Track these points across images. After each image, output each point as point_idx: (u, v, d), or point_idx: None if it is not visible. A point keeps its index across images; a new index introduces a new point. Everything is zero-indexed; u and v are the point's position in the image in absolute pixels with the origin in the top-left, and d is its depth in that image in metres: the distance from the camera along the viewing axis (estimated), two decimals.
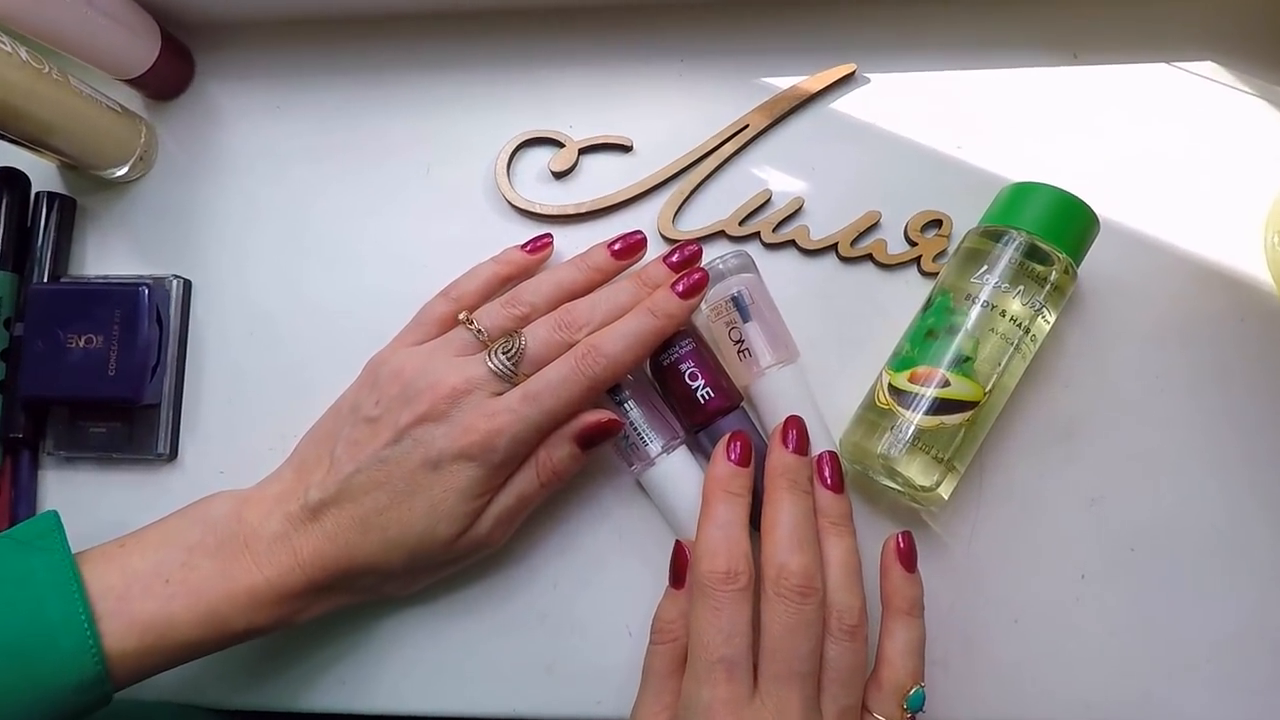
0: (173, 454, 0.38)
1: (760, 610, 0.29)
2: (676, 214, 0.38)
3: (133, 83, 0.39)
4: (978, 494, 0.36)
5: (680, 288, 0.33)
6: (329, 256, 0.39)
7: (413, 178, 0.39)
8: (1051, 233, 0.32)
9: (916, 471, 0.31)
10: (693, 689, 0.28)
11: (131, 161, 0.39)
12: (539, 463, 0.33)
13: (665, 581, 0.33)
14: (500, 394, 0.32)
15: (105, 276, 0.38)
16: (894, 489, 0.34)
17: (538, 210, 0.38)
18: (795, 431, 0.32)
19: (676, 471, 0.34)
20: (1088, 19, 0.38)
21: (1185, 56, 0.38)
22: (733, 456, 0.32)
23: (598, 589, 0.36)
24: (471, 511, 0.32)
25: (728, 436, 0.32)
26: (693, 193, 0.38)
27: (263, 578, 0.30)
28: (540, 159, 0.39)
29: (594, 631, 0.35)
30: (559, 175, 0.39)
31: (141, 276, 0.38)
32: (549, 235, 0.36)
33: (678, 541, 0.33)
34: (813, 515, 0.31)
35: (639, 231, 0.35)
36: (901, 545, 0.32)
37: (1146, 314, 0.36)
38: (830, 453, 0.33)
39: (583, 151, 0.39)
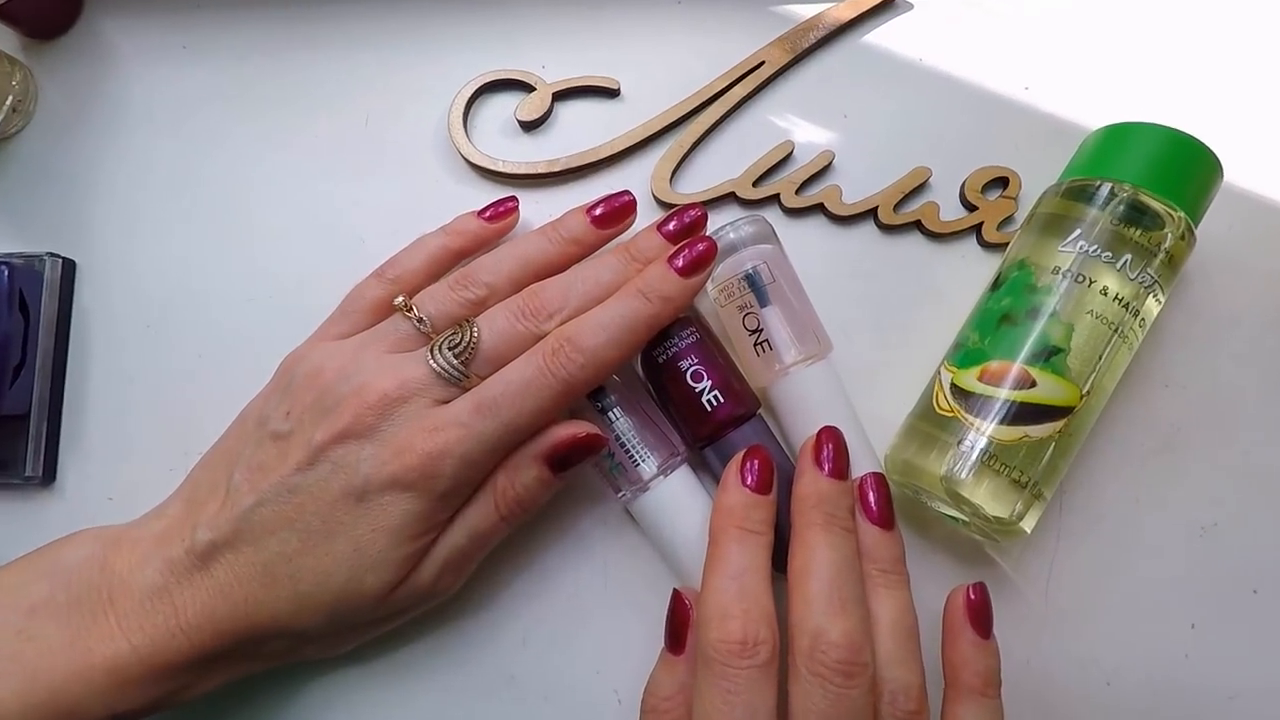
0: (48, 477, 0.30)
1: (789, 690, 0.22)
2: (675, 173, 0.30)
3: (2, 16, 0.32)
4: (1056, 521, 0.28)
5: (680, 262, 0.25)
6: (246, 230, 0.32)
7: (348, 131, 0.32)
8: (1162, 184, 0.25)
9: (989, 498, 0.24)
10: None
11: (2, 114, 0.32)
12: (497, 491, 0.25)
13: (662, 640, 0.25)
14: (446, 402, 0.24)
15: None
16: (953, 517, 0.27)
17: (501, 169, 0.30)
18: (832, 447, 0.25)
19: (676, 498, 0.26)
20: None
21: None
22: (749, 481, 0.24)
23: (578, 645, 0.28)
24: (408, 556, 0.24)
25: (742, 454, 0.25)
26: (695, 146, 0.30)
27: (129, 647, 0.23)
28: (505, 107, 0.31)
29: (573, 699, 0.28)
30: (528, 126, 0.31)
31: (9, 255, 0.30)
32: (514, 199, 0.29)
33: (676, 591, 0.26)
34: (856, 561, 0.24)
35: (626, 192, 0.28)
36: (974, 600, 0.24)
37: (1269, 295, 0.29)
38: (876, 475, 0.25)
39: (558, 97, 0.31)
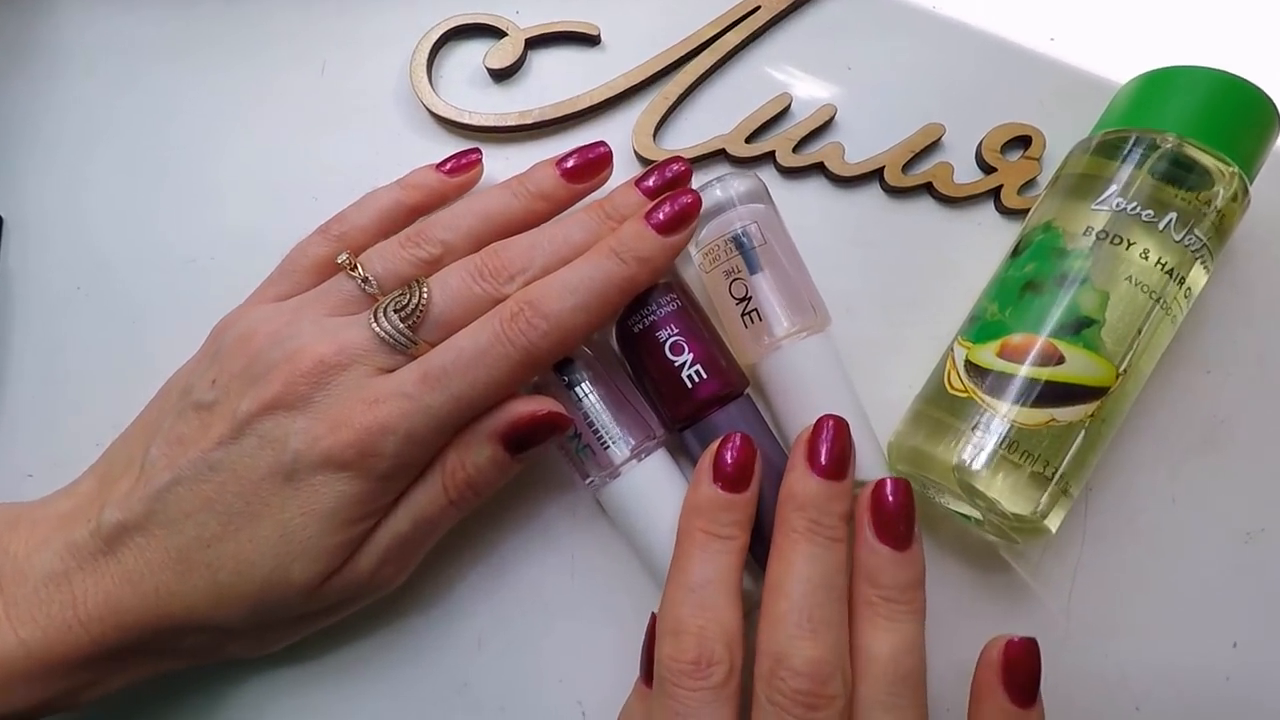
0: None
1: (750, 717, 0.19)
2: (659, 127, 0.27)
3: None
4: (1081, 523, 0.25)
5: (659, 217, 0.22)
6: (189, 186, 0.29)
7: (302, 81, 0.29)
8: (1212, 133, 0.21)
9: (1007, 492, 0.21)
10: None
11: None
12: (446, 471, 0.22)
13: (636, 644, 0.22)
14: (390, 371, 0.21)
15: None
16: (964, 515, 0.24)
17: (468, 120, 0.28)
18: (831, 440, 0.21)
19: (650, 486, 0.23)
20: None
21: None
22: (723, 471, 0.21)
23: (539, 650, 0.25)
24: (343, 544, 0.21)
25: (718, 444, 0.22)
26: (682, 99, 0.28)
27: (16, 640, 0.20)
28: (474, 55, 0.29)
29: (532, 709, 0.25)
30: (499, 76, 0.28)
31: None
32: (477, 151, 0.26)
33: (655, 616, 0.22)
34: (839, 579, 0.20)
35: (602, 143, 0.25)
36: (1017, 658, 0.20)
37: None
38: (899, 481, 0.21)
39: (531, 44, 0.28)
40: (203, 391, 0.22)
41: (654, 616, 0.22)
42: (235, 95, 0.29)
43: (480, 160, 0.26)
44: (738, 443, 0.22)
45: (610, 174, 0.25)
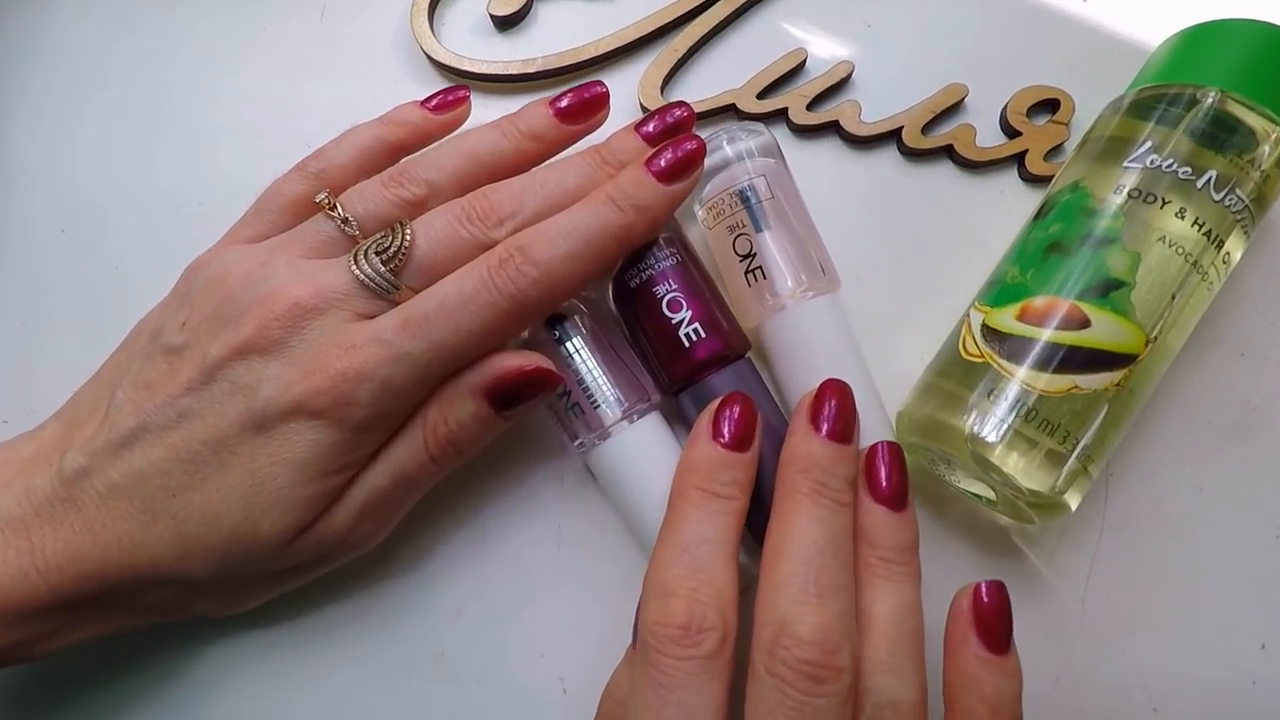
0: None
1: (746, 690, 0.18)
2: (667, 81, 0.26)
3: None
4: (1101, 508, 0.23)
5: (661, 163, 0.21)
6: (181, 131, 0.28)
7: (300, 24, 0.28)
8: (1258, 88, 0.20)
9: (1024, 465, 0.19)
10: None
11: None
12: (428, 426, 0.21)
13: (623, 619, 0.21)
14: (371, 317, 0.20)
15: None
16: (975, 495, 0.22)
17: (468, 68, 0.27)
18: (835, 404, 0.20)
19: (641, 448, 0.22)
20: None
21: None
22: (723, 433, 0.20)
23: (521, 621, 0.24)
24: (315, 496, 0.20)
25: (718, 402, 0.20)
26: (693, 52, 0.26)
27: None
28: (479, 3, 0.28)
29: (510, 684, 0.24)
30: (503, 24, 0.27)
31: None
32: (464, 88, 0.24)
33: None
34: (846, 542, 0.19)
35: (599, 82, 0.23)
36: (987, 604, 0.19)
37: None
38: (891, 445, 0.21)
39: None
40: (172, 334, 0.21)
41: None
42: (232, 39, 0.28)
43: (468, 98, 0.24)
44: (739, 402, 0.20)
45: (607, 115, 0.23)
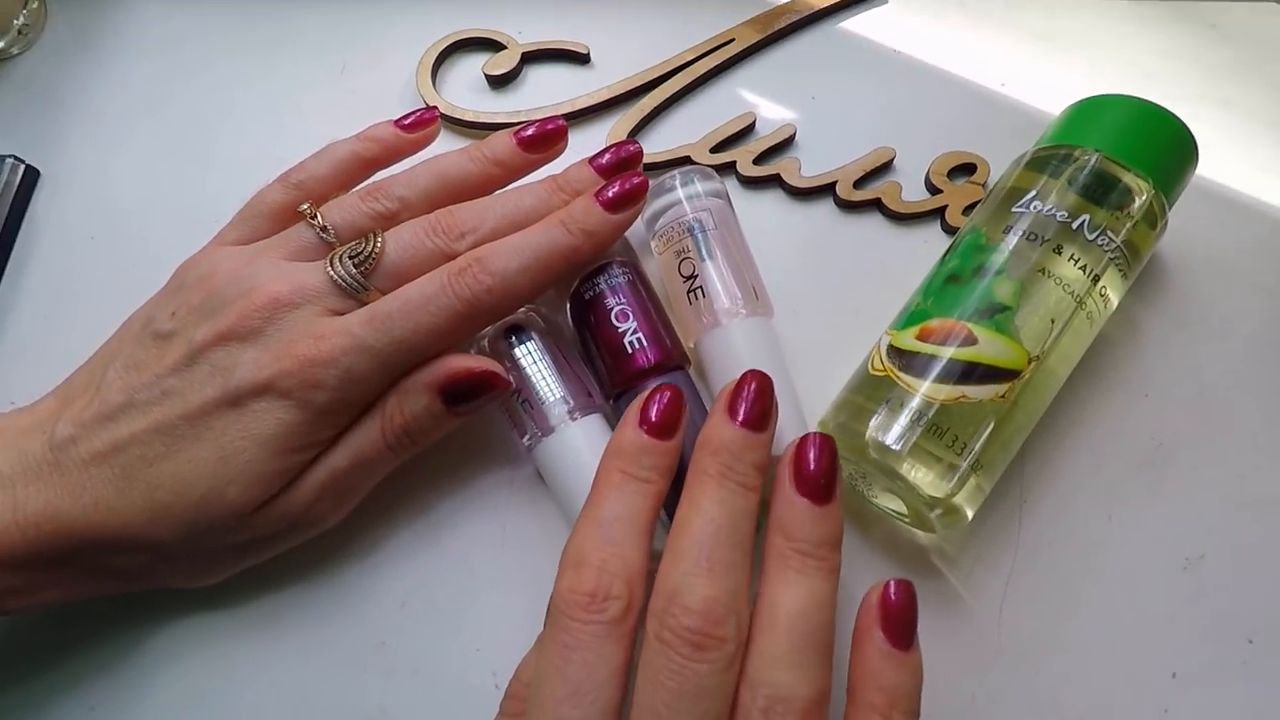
0: None
1: (639, 657, 0.19)
2: (633, 134, 0.30)
3: None
4: (1015, 534, 0.25)
5: (609, 195, 0.24)
6: (204, 156, 0.32)
7: (322, 77, 0.33)
8: (1131, 152, 0.23)
9: (920, 468, 0.21)
10: None
11: (10, 36, 0.33)
12: (385, 415, 0.23)
13: None
14: (341, 314, 0.23)
15: None
16: (892, 512, 0.24)
17: (465, 118, 0.30)
18: (753, 392, 0.21)
19: (580, 445, 0.24)
20: None
21: None
22: (650, 418, 0.22)
23: (461, 617, 0.25)
24: (278, 471, 0.22)
25: (648, 391, 0.22)
26: (658, 112, 0.30)
27: None
28: (478, 67, 0.32)
29: (444, 676, 0.25)
30: (496, 83, 0.31)
31: None
32: (434, 109, 0.27)
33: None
34: (747, 525, 0.20)
35: (559, 118, 0.26)
36: (893, 600, 0.20)
37: (1260, 302, 0.26)
38: (823, 437, 0.21)
39: (527, 58, 0.31)
40: (162, 322, 0.24)
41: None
42: (261, 84, 0.33)
43: (437, 119, 0.27)
44: (667, 393, 0.22)
45: (565, 147, 0.26)
